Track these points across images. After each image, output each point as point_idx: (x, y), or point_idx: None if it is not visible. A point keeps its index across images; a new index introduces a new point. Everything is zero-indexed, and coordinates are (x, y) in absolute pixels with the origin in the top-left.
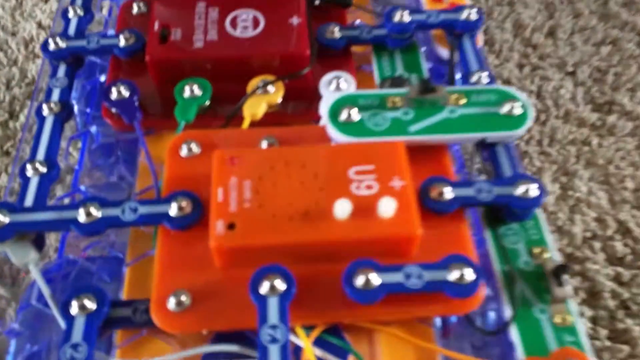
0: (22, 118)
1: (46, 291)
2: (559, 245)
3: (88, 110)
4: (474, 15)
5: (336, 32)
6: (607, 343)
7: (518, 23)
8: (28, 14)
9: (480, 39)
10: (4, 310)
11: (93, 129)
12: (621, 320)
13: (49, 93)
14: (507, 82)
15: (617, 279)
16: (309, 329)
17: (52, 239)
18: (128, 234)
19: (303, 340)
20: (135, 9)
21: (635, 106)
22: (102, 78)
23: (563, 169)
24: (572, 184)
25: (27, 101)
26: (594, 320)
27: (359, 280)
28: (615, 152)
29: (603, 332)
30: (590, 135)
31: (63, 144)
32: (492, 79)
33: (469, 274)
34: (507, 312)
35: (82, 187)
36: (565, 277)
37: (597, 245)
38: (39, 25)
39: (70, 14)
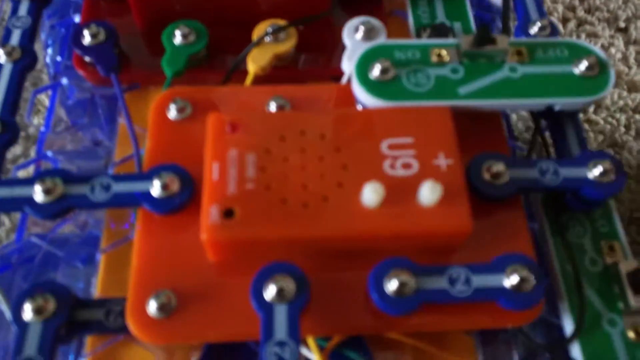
0: None
1: None
2: None
3: (59, 58)
4: None
5: None
6: None
7: None
8: None
9: None
10: None
11: (64, 81)
12: None
13: (7, 35)
14: None
15: None
16: (324, 340)
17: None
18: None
19: (316, 356)
20: None
21: None
22: (77, 18)
23: (611, 139)
24: (620, 156)
25: None
26: None
27: (391, 285)
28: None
29: None
30: None
31: (26, 98)
32: (556, 30)
33: (531, 280)
34: (569, 323)
35: (49, 153)
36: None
37: None
38: None
39: None
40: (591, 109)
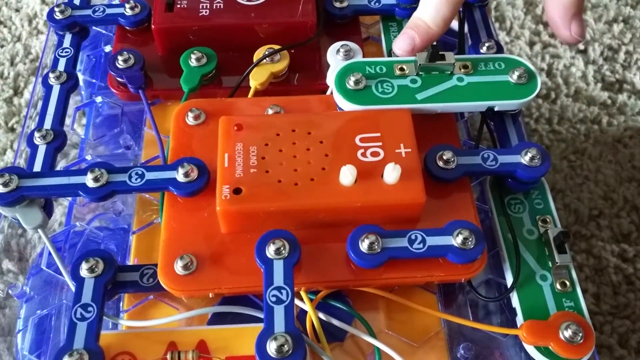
0: (26, 94)
1: (55, 254)
2: (565, 223)
3: (94, 81)
4: None
5: (344, 1)
6: (609, 317)
7: (529, 0)
8: None
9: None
10: (12, 284)
11: (99, 99)
12: (624, 295)
13: (55, 63)
14: None
15: (621, 255)
16: (313, 294)
17: (57, 214)
18: (133, 207)
19: (307, 304)
20: None
21: None
22: (107, 49)
23: (572, 147)
24: (580, 162)
25: (32, 77)
26: (597, 297)
27: (364, 245)
28: (624, 131)
29: (605, 307)
30: (600, 114)
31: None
32: (500, 48)
33: (472, 239)
34: (510, 279)
35: (88, 158)
36: (567, 244)
37: (604, 222)
38: (43, 1)
39: None
40: (555, 120)
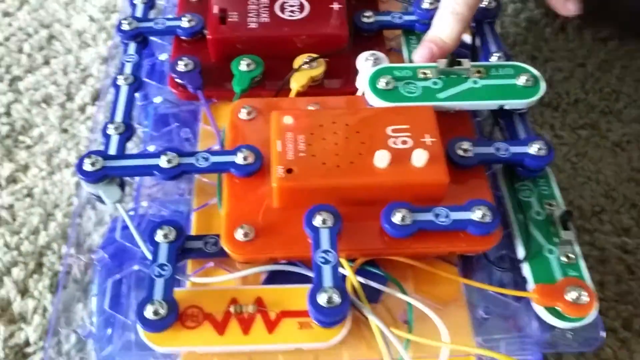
0: (77, 100)
1: (131, 225)
2: None
3: (153, 83)
4: (492, 4)
5: (371, 17)
6: (613, 303)
7: (531, 19)
8: (80, 9)
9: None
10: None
11: (157, 99)
12: (626, 282)
13: (122, 67)
14: None
15: (623, 247)
16: (352, 262)
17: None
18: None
19: (347, 269)
20: None
21: None
22: (161, 57)
23: (574, 150)
24: (582, 163)
25: (82, 85)
26: (601, 284)
27: (396, 218)
28: (622, 137)
29: (609, 294)
30: (600, 121)
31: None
32: (509, 58)
33: (489, 214)
34: (521, 253)
35: (151, 149)
36: (570, 222)
37: (605, 217)
38: (91, 18)
39: (137, 0)
40: (557, 126)
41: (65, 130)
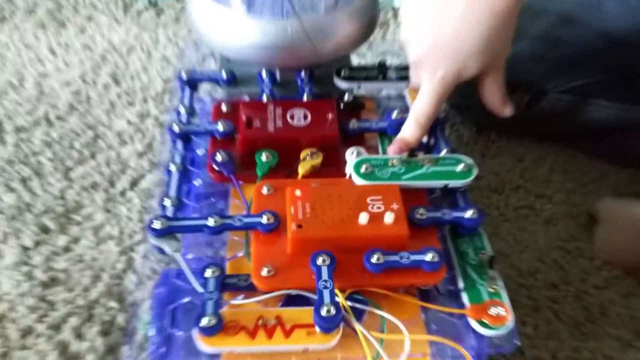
0: (118, 186)
1: (185, 267)
2: (512, 276)
3: (195, 170)
4: (443, 114)
5: (355, 124)
6: (544, 341)
7: (480, 122)
8: (120, 114)
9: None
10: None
11: (196, 182)
12: (554, 325)
13: (172, 157)
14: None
15: (551, 299)
16: (342, 292)
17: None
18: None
19: (340, 296)
20: (223, 108)
21: None
22: (199, 151)
23: (515, 224)
24: (521, 236)
25: (122, 174)
26: (535, 326)
27: (374, 258)
28: (552, 215)
29: (540, 334)
30: (536, 202)
31: None
32: (454, 151)
33: (437, 257)
34: (461, 285)
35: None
36: (494, 264)
37: (539, 276)
38: (128, 122)
39: (181, 110)
40: (502, 207)
41: (108, 210)
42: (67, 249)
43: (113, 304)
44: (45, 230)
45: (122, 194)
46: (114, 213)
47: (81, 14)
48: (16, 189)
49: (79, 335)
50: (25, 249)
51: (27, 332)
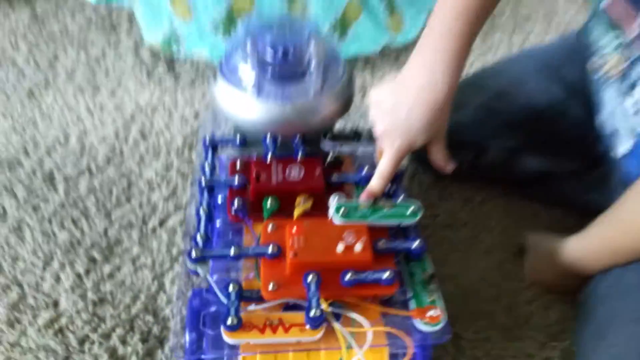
0: (150, 224)
1: (213, 284)
2: (457, 293)
3: (216, 214)
4: (402, 167)
5: (336, 177)
6: (481, 342)
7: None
8: (148, 165)
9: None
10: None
11: (217, 222)
12: (490, 331)
13: (200, 202)
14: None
15: (489, 311)
16: (325, 301)
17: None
18: (240, 269)
19: (324, 304)
20: (237, 165)
21: None
22: (219, 200)
23: (463, 253)
24: (467, 261)
25: (152, 215)
26: (475, 331)
27: (347, 277)
28: (490, 246)
29: (479, 337)
30: (479, 235)
31: None
32: (409, 198)
33: (392, 274)
34: (409, 295)
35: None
36: (434, 280)
37: (480, 293)
38: (155, 172)
39: (206, 167)
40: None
41: (142, 244)
42: (111, 275)
43: (149, 317)
44: (93, 260)
45: (153, 231)
46: (147, 246)
47: (112, 79)
48: (68, 227)
49: (124, 342)
50: (79, 275)
51: (84, 340)
